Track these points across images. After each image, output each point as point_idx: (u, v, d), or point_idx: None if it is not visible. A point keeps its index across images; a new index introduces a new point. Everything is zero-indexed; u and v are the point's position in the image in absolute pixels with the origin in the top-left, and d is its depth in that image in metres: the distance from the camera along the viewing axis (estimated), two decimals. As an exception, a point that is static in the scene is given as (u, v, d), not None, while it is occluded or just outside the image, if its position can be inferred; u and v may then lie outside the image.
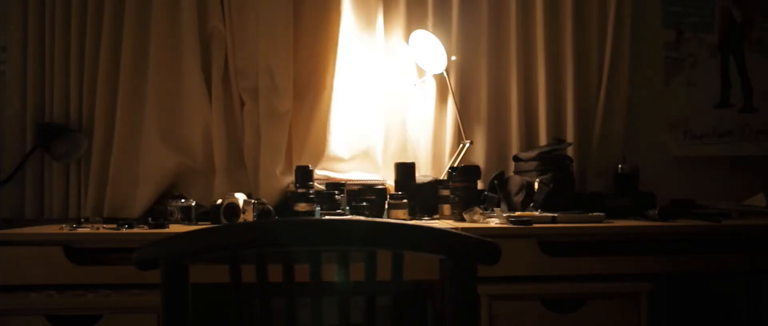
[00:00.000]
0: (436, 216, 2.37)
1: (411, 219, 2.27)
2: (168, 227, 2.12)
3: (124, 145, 2.51)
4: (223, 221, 2.15)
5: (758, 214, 2.40)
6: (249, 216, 2.15)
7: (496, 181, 2.48)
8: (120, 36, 2.52)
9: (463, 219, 2.20)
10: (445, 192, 2.32)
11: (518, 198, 2.36)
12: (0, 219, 2.46)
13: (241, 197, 2.20)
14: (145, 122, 2.52)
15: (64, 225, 2.15)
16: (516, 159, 2.57)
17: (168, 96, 2.53)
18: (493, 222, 2.11)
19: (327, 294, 1.13)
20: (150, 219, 2.21)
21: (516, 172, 2.53)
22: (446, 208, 2.31)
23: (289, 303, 1.12)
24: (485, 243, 1.21)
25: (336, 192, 2.32)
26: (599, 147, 2.66)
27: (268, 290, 1.13)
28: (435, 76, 2.67)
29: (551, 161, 2.39)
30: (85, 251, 1.99)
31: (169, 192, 2.51)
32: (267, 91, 2.51)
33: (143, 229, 2.08)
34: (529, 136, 2.69)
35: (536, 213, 2.18)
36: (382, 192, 2.34)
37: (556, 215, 2.11)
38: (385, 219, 2.23)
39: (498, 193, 2.43)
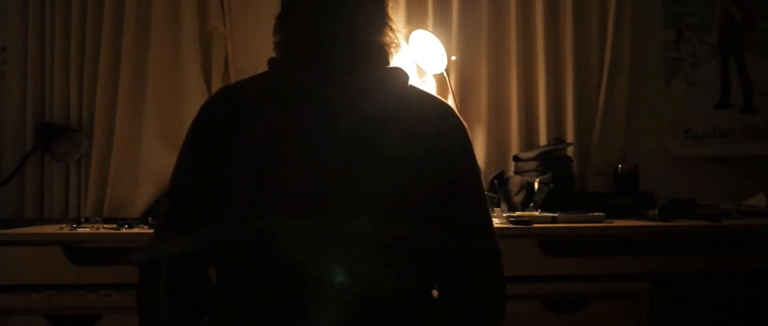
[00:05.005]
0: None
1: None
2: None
3: (124, 145, 2.51)
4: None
5: (758, 214, 2.41)
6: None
7: (496, 181, 2.48)
8: (120, 36, 2.52)
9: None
10: (445, 192, 2.31)
11: (518, 199, 2.36)
12: (0, 219, 2.46)
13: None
14: (145, 122, 2.52)
15: (64, 225, 2.15)
16: (516, 159, 2.57)
17: (168, 96, 2.53)
18: (494, 222, 2.10)
19: (326, 294, 1.11)
20: (150, 219, 2.21)
21: (516, 172, 2.53)
22: (446, 208, 2.31)
23: (288, 302, 1.12)
24: (484, 244, 1.21)
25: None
26: (599, 147, 2.66)
27: (268, 289, 1.13)
28: (435, 76, 2.67)
29: (551, 161, 2.39)
30: (85, 251, 1.99)
31: (169, 193, 2.51)
32: (267, 91, 2.50)
33: (143, 229, 2.08)
34: (529, 136, 2.69)
35: (536, 213, 2.18)
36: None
37: (556, 215, 2.11)
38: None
39: (498, 193, 2.43)
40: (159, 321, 1.08)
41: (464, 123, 1.25)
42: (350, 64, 1.17)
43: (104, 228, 2.12)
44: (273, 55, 1.24)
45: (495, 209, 2.34)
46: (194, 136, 1.21)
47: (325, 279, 1.07)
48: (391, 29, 1.22)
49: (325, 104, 1.14)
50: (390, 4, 1.25)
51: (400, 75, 1.22)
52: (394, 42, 1.22)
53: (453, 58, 2.64)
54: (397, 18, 2.66)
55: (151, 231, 2.02)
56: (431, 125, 1.19)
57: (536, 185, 2.33)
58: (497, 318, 1.26)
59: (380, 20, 1.21)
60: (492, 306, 1.25)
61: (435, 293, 1.28)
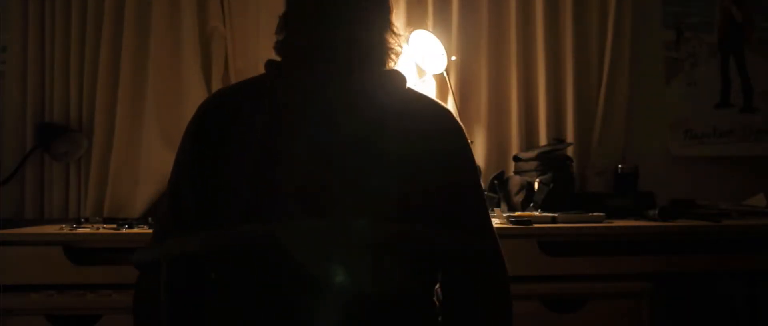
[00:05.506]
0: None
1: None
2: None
3: (124, 145, 2.51)
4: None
5: (758, 214, 2.41)
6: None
7: (496, 181, 2.48)
8: (120, 36, 2.52)
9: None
10: (445, 192, 2.31)
11: (518, 198, 2.36)
12: (0, 219, 2.46)
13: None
14: (145, 122, 2.52)
15: (64, 225, 2.15)
16: (516, 159, 2.57)
17: (168, 96, 2.53)
18: (493, 222, 2.10)
19: (326, 294, 1.10)
20: (150, 219, 2.22)
21: (516, 172, 2.53)
22: (446, 208, 2.31)
23: (289, 303, 1.12)
24: (484, 244, 1.21)
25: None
26: (599, 147, 2.66)
27: (268, 289, 1.13)
28: (435, 76, 2.67)
29: (551, 161, 2.39)
30: (85, 251, 1.99)
31: (169, 192, 2.51)
32: (267, 91, 2.50)
33: (143, 229, 2.08)
34: (529, 136, 2.69)
35: (536, 213, 2.18)
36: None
37: (556, 215, 2.11)
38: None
39: (498, 193, 2.43)
40: (159, 322, 1.09)
41: (461, 125, 1.27)
42: (350, 65, 1.15)
43: (104, 228, 2.12)
44: (273, 55, 1.24)
45: (495, 209, 2.34)
46: (192, 137, 1.21)
47: (325, 279, 1.07)
48: (393, 34, 1.21)
49: (325, 104, 1.15)
50: (393, 10, 1.24)
51: (398, 77, 1.23)
52: (394, 47, 1.21)
53: (453, 58, 2.64)
54: (397, 18, 2.67)
55: (151, 231, 2.04)
56: (430, 126, 1.21)
57: (536, 185, 2.33)
58: (499, 318, 1.24)
59: (382, 25, 1.20)
60: (492, 305, 1.25)
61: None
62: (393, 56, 1.22)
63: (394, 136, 1.16)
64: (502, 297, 1.27)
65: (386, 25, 1.20)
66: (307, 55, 1.16)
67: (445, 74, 2.60)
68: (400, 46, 1.22)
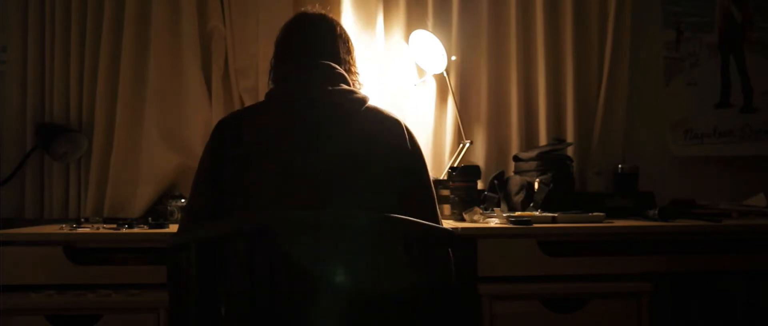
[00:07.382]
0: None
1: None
2: (168, 227, 2.12)
3: (124, 145, 2.51)
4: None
5: (758, 214, 2.41)
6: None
7: (496, 181, 2.48)
8: (120, 36, 2.52)
9: (463, 219, 2.20)
10: (445, 192, 2.32)
11: (518, 198, 2.36)
12: (0, 219, 2.46)
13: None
14: (145, 122, 2.52)
15: (64, 225, 2.15)
16: (516, 159, 2.57)
17: (168, 96, 2.53)
18: (493, 222, 2.10)
19: (320, 284, 1.27)
20: (150, 219, 2.22)
21: (516, 172, 2.53)
22: (446, 208, 2.31)
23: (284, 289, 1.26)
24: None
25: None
26: (599, 147, 2.66)
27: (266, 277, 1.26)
28: (435, 76, 2.67)
29: (551, 161, 2.39)
30: (85, 251, 1.99)
31: (169, 192, 2.51)
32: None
33: (143, 229, 2.08)
34: (529, 136, 2.69)
35: (536, 213, 2.18)
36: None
37: (556, 215, 2.11)
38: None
39: (498, 193, 2.43)
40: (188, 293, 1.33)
41: (413, 135, 1.58)
42: (326, 82, 1.54)
43: (104, 228, 2.12)
44: (272, 55, 1.57)
45: (495, 209, 2.34)
46: (206, 149, 1.53)
47: (318, 269, 1.26)
48: (353, 72, 1.64)
49: (315, 112, 1.48)
50: (353, 51, 1.67)
51: (361, 97, 1.57)
52: (356, 77, 1.65)
53: (453, 58, 2.64)
54: (398, 18, 2.67)
55: (151, 231, 2.06)
56: (391, 138, 1.53)
57: (536, 185, 2.33)
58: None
59: (347, 61, 1.64)
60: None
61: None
62: (359, 82, 1.65)
63: (360, 142, 1.47)
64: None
65: (351, 61, 1.65)
66: (297, 75, 1.56)
67: (445, 74, 2.60)
68: (357, 78, 1.66)
